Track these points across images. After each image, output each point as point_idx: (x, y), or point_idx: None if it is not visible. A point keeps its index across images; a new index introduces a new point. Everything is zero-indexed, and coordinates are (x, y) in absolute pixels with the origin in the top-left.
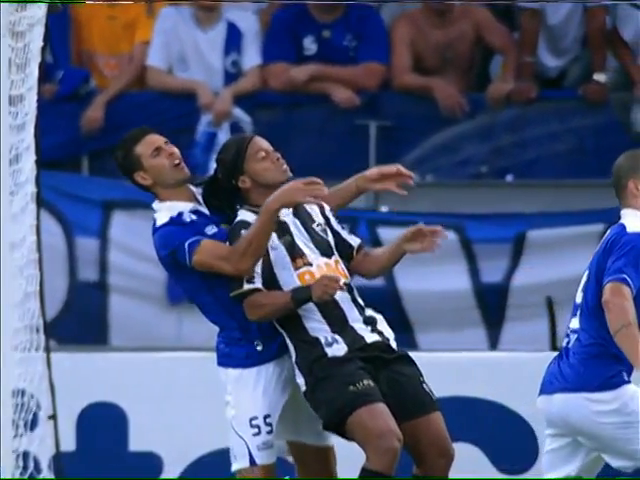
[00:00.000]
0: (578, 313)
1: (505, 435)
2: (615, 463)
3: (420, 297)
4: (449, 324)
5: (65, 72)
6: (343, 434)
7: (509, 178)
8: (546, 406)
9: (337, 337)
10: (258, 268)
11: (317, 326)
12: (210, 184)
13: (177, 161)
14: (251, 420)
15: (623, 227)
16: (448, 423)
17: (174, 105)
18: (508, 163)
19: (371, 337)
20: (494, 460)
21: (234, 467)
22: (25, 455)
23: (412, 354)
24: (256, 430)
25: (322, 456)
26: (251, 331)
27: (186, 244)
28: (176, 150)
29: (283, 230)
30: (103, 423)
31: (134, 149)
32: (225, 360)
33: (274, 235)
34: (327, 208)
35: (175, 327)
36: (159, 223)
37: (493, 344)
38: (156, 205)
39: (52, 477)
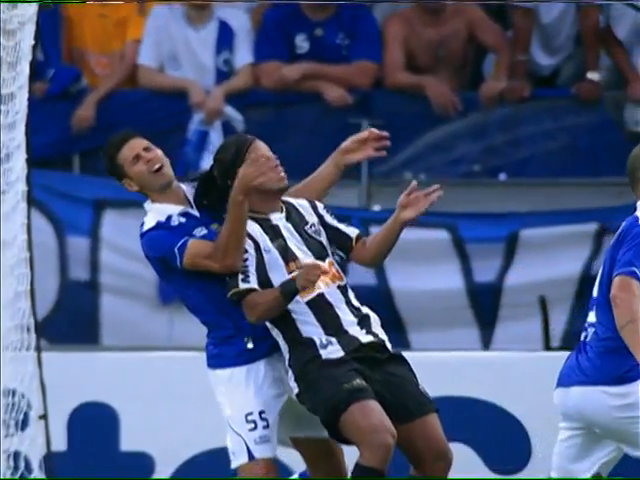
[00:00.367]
0: (595, 306)
1: (498, 435)
2: (633, 453)
3: (412, 296)
4: (442, 323)
5: (56, 70)
6: (341, 436)
7: (502, 177)
8: (563, 399)
9: (332, 339)
10: (252, 268)
11: (311, 329)
12: (204, 181)
13: (157, 166)
14: (247, 416)
15: (636, 219)
16: (440, 423)
17: (165, 104)
18: (501, 162)
19: (366, 338)
20: (487, 460)
21: (234, 465)
22: (16, 455)
23: (404, 353)
24: (252, 425)
25: (328, 448)
26: (243, 329)
27: (175, 248)
28: (156, 154)
29: (276, 234)
30: (94, 423)
31: (117, 157)
32: (214, 361)
33: (267, 238)
34: (320, 206)
35: (167, 327)
36: (146, 227)
37: (486, 344)
38: (147, 205)
39: (43, 477)
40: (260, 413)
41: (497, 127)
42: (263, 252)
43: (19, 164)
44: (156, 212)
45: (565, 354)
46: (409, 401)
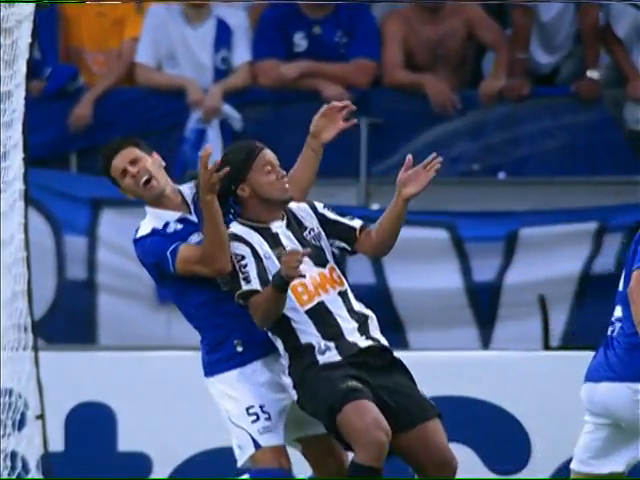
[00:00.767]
0: (620, 301)
1: (497, 435)
2: None
3: (411, 295)
4: (440, 323)
5: (53, 69)
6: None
7: (501, 176)
8: (590, 394)
9: (330, 345)
10: (254, 272)
11: (311, 338)
12: None
13: (143, 180)
14: (247, 409)
15: None
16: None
17: (163, 102)
18: (500, 160)
19: (365, 343)
20: (486, 460)
21: (242, 460)
22: (13, 455)
23: (403, 353)
24: (254, 417)
25: (330, 446)
26: (233, 334)
27: (168, 253)
28: (143, 167)
29: (275, 242)
30: (92, 423)
31: (109, 168)
32: (209, 369)
33: (266, 245)
34: (319, 205)
35: (164, 326)
36: (140, 234)
37: (485, 343)
38: (147, 208)
39: (40, 477)
40: (261, 407)
41: (496, 125)
42: (263, 258)
43: (16, 163)
44: (154, 217)
45: (565, 354)
46: (410, 406)
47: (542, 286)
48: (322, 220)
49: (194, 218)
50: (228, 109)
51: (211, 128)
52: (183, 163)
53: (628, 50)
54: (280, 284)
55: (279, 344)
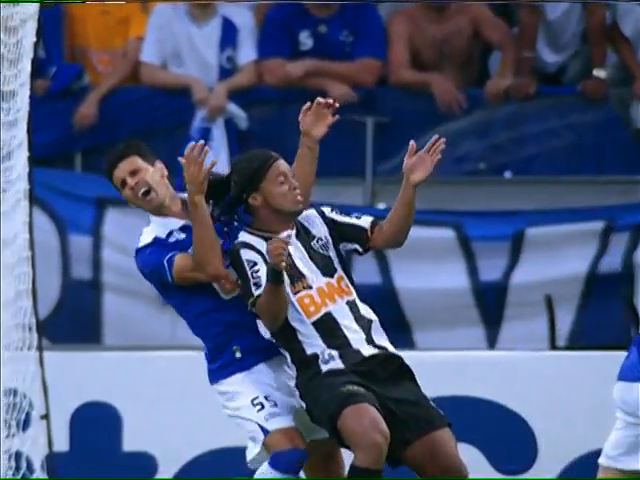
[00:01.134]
0: None
1: (504, 435)
2: None
3: (418, 295)
4: (447, 322)
5: (58, 68)
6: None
7: (507, 175)
8: (624, 393)
9: (334, 354)
10: (264, 279)
11: (316, 349)
12: (217, 187)
13: (141, 192)
14: (252, 400)
15: None
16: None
17: (168, 101)
18: (506, 160)
19: (370, 351)
20: (492, 460)
21: (255, 451)
22: (17, 455)
23: (409, 353)
24: (260, 407)
25: (329, 452)
26: (233, 340)
27: (165, 262)
28: (141, 178)
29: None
30: (96, 423)
31: (112, 177)
32: (212, 376)
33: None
34: (327, 210)
35: (169, 326)
36: (142, 243)
37: (491, 343)
38: (151, 216)
39: (45, 477)
40: (266, 397)
41: (502, 125)
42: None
43: (21, 162)
44: (158, 225)
45: (571, 354)
46: (419, 416)
47: (549, 286)
48: (331, 224)
49: None
50: (233, 108)
51: (216, 127)
52: None
53: (635, 49)
54: (273, 275)
55: (287, 356)
